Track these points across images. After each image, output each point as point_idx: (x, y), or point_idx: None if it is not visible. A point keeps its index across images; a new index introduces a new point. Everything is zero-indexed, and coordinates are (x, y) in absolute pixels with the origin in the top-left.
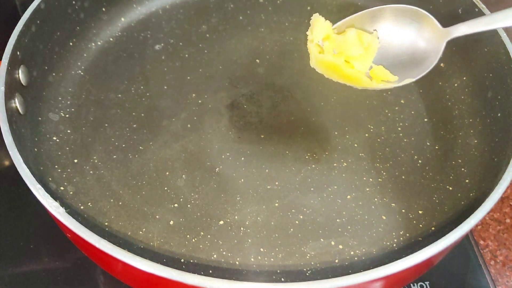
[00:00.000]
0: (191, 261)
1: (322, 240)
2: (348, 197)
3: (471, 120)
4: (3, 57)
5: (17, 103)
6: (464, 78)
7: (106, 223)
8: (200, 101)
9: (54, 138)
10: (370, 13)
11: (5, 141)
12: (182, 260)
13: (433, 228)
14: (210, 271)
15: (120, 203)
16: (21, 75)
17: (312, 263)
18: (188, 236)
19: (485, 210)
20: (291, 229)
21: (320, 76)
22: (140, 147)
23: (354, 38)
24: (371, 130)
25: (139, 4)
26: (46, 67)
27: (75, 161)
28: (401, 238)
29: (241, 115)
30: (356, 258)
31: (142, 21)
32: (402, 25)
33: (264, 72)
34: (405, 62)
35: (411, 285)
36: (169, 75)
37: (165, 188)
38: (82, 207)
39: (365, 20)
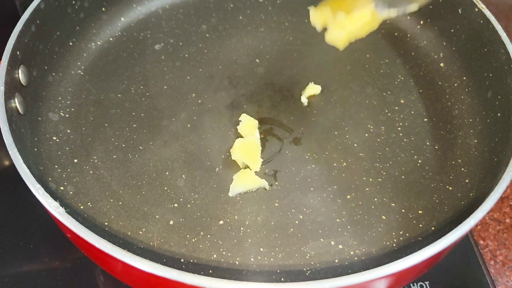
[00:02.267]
0: (191, 261)
1: (322, 240)
2: (348, 197)
3: (471, 120)
4: (3, 57)
5: (17, 103)
6: (464, 78)
7: (106, 223)
8: (200, 101)
9: (54, 138)
10: None
11: (5, 141)
12: (182, 260)
13: (433, 228)
14: (210, 271)
15: (120, 203)
16: (21, 75)
17: (312, 263)
18: (188, 236)
19: (485, 210)
20: (291, 229)
21: (320, 76)
22: (140, 147)
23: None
24: (371, 130)
25: (139, 4)
26: (46, 67)
27: (75, 161)
28: (401, 238)
29: (241, 115)
30: (356, 258)
31: (142, 21)
32: None
33: (264, 72)
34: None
35: (411, 285)
36: (169, 75)
37: (165, 188)
38: (82, 207)
39: None
